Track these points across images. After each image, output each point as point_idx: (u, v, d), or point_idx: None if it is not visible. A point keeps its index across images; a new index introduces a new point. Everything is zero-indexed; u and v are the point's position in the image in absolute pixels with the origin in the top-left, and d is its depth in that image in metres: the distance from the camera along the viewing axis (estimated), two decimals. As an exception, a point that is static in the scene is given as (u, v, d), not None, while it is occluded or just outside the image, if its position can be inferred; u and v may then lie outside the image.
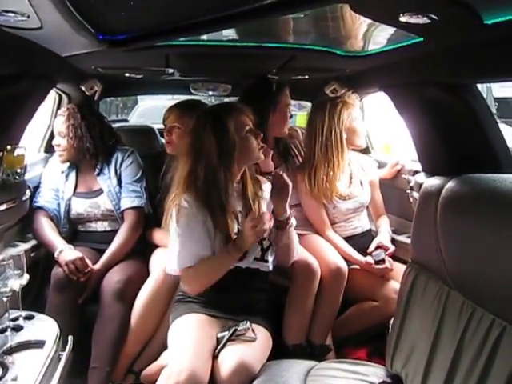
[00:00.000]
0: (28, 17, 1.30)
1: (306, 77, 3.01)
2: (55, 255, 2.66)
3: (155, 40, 1.77)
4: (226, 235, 2.24)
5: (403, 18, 1.33)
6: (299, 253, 2.54)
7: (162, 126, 3.04)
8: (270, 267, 2.40)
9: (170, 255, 2.30)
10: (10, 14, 1.28)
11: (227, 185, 2.24)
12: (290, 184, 2.31)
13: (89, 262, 2.66)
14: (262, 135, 2.31)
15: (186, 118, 2.79)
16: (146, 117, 9.54)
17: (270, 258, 2.39)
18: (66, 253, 2.65)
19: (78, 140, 2.85)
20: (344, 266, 2.67)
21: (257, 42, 2.15)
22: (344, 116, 2.82)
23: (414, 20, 1.33)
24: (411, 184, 2.55)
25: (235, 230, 2.27)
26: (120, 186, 2.92)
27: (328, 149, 2.82)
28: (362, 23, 1.72)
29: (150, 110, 9.78)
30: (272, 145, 3.01)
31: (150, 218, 2.97)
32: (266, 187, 2.45)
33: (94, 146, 2.89)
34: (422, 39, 1.65)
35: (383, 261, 2.77)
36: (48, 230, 2.79)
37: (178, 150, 2.82)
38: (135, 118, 11.15)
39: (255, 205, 2.34)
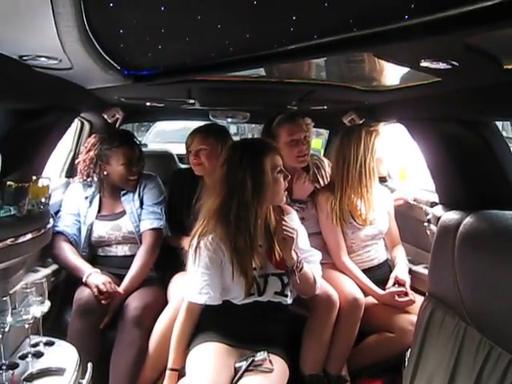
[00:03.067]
0: (60, 60, 1.35)
1: (325, 107, 3.05)
2: (84, 279, 2.68)
3: (179, 77, 1.81)
4: (246, 273, 2.28)
5: (424, 64, 1.36)
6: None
7: (179, 150, 3.11)
8: (289, 301, 2.41)
9: (188, 284, 2.35)
10: (43, 59, 1.33)
11: (256, 222, 2.27)
12: (295, 234, 2.32)
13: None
14: (289, 177, 2.36)
15: (211, 139, 2.94)
16: (162, 136, 9.55)
17: (290, 293, 2.40)
18: (95, 276, 2.68)
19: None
20: (361, 296, 2.67)
21: (277, 78, 2.20)
22: (377, 145, 2.86)
23: (434, 65, 1.36)
24: (429, 217, 2.56)
25: (253, 265, 2.31)
26: (142, 209, 2.98)
27: (362, 176, 2.85)
28: (381, 63, 1.74)
29: (167, 130, 9.80)
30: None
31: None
32: (292, 217, 2.49)
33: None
34: (439, 79, 1.67)
35: (405, 294, 2.76)
36: (71, 255, 2.81)
37: (209, 171, 2.92)
38: (152, 137, 11.17)
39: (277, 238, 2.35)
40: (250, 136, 21.58)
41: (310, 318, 2.63)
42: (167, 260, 3.04)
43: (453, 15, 0.87)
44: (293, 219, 2.47)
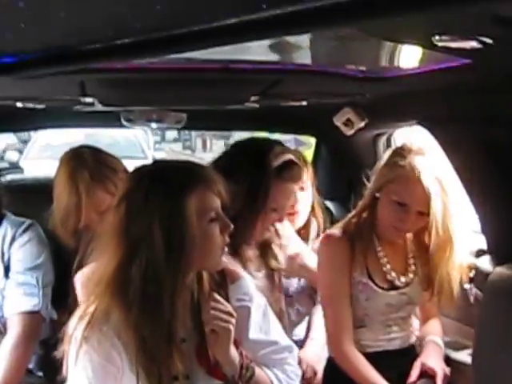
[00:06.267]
0: None
1: (304, 103, 3.10)
2: None
3: (60, 65, 1.82)
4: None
5: (440, 42, 1.40)
6: None
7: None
8: None
9: None
10: None
11: (173, 303, 2.08)
12: (232, 323, 2.15)
13: None
14: (230, 227, 2.18)
15: (109, 185, 2.91)
16: (53, 151, 9.51)
17: None
18: None
19: None
20: None
21: (221, 64, 2.22)
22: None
23: (455, 44, 1.41)
24: (471, 274, 2.58)
25: (172, 373, 2.11)
26: (6, 278, 2.87)
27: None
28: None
29: (55, 143, 9.83)
30: None
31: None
32: (241, 286, 2.36)
33: None
34: (470, 61, 1.72)
35: None
36: None
37: None
38: (36, 153, 11.17)
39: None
40: (199, 143, 21.57)
41: None
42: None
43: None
44: (243, 290, 2.37)
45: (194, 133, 22.44)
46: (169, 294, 2.04)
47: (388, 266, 2.85)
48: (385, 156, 2.85)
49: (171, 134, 24.10)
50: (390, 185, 2.69)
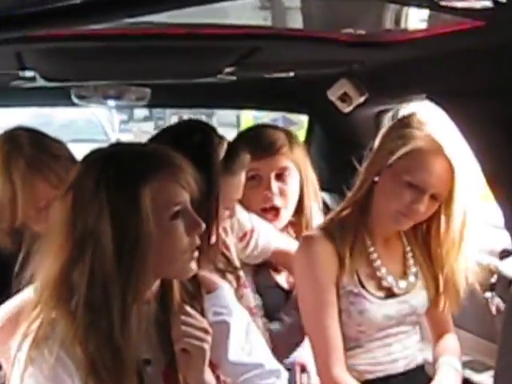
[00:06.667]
0: None
1: (291, 74, 3.09)
2: None
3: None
4: None
5: (444, 2, 1.41)
6: None
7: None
8: None
9: None
10: None
11: (125, 316, 2.02)
12: (208, 341, 2.10)
13: None
14: (202, 226, 2.12)
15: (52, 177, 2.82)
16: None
17: None
18: None
19: None
20: None
21: (188, 28, 2.22)
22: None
23: (463, 4, 1.41)
24: (493, 279, 2.56)
25: None
26: None
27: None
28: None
29: (3, 129, 9.79)
30: None
31: None
32: (218, 297, 2.34)
33: None
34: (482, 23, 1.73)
35: None
36: None
37: None
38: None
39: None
40: (173, 120, 21.61)
41: None
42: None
43: None
44: (220, 302, 2.34)
45: (168, 110, 22.12)
46: (119, 304, 1.98)
47: (383, 270, 2.79)
48: (386, 129, 2.85)
49: (141, 112, 23.90)
50: (400, 162, 2.65)
